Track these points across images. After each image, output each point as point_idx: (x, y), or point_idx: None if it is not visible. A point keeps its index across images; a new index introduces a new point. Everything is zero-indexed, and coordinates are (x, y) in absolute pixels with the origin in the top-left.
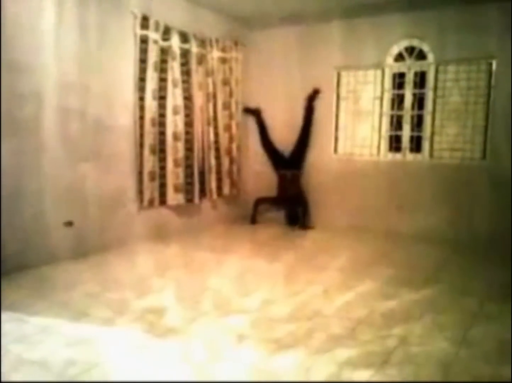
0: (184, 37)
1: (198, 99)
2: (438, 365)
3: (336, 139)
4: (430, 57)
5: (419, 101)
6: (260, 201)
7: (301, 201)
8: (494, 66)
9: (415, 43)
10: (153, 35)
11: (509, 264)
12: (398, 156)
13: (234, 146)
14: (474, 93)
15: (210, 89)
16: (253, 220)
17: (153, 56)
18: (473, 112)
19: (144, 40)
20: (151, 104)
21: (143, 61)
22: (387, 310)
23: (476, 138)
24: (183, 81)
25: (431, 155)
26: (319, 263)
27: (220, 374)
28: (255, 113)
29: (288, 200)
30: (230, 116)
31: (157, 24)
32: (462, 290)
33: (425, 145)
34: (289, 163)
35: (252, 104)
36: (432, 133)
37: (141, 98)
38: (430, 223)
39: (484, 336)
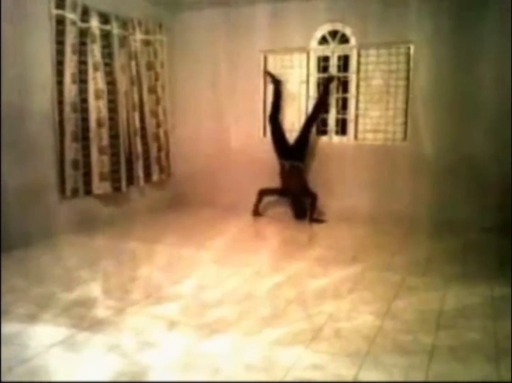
0: (104, 18)
1: (122, 83)
2: (363, 337)
3: (265, 122)
4: (353, 40)
5: (343, 84)
6: (263, 192)
7: (308, 193)
8: (412, 50)
9: (338, 27)
10: (71, 15)
11: (429, 239)
12: (325, 138)
13: (161, 131)
14: (395, 76)
15: (134, 72)
16: (256, 212)
17: (71, 37)
18: (394, 95)
19: (60, 21)
20: (70, 88)
21: (60, 43)
22: (316, 289)
23: (397, 120)
24: (105, 64)
25: (355, 137)
26: (250, 247)
27: (151, 362)
28: (275, 82)
29: (293, 192)
30: (157, 101)
31: (74, 4)
32: (387, 266)
33: (350, 127)
34: (293, 153)
35: (179, 88)
36: (357, 116)
37: (60, 82)
38: (357, 203)
39: (406, 307)
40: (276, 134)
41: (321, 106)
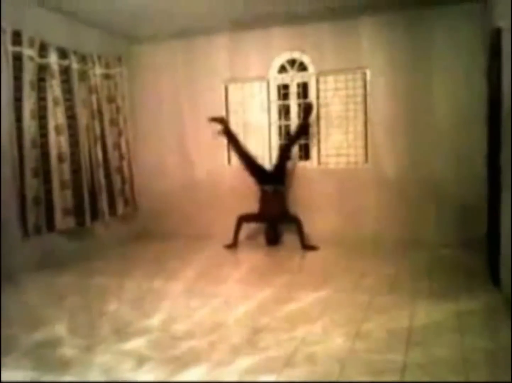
0: (63, 53)
1: (83, 117)
2: (335, 360)
3: (229, 150)
4: (311, 68)
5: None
6: (243, 219)
7: (290, 217)
8: (368, 75)
9: (296, 55)
10: (28, 51)
11: (394, 259)
12: (288, 164)
13: (125, 164)
14: (353, 101)
15: (95, 106)
16: (234, 243)
17: (29, 74)
18: (353, 119)
19: (17, 57)
20: (30, 124)
21: (18, 79)
22: (286, 315)
23: (358, 143)
24: (65, 99)
25: (318, 161)
26: (219, 276)
27: None
28: (220, 122)
29: (273, 216)
30: (119, 133)
31: (32, 40)
32: (355, 288)
33: (313, 152)
34: (273, 177)
35: (141, 120)
36: (318, 141)
37: (18, 119)
38: (324, 226)
39: (376, 327)
40: (250, 167)
41: (301, 132)
